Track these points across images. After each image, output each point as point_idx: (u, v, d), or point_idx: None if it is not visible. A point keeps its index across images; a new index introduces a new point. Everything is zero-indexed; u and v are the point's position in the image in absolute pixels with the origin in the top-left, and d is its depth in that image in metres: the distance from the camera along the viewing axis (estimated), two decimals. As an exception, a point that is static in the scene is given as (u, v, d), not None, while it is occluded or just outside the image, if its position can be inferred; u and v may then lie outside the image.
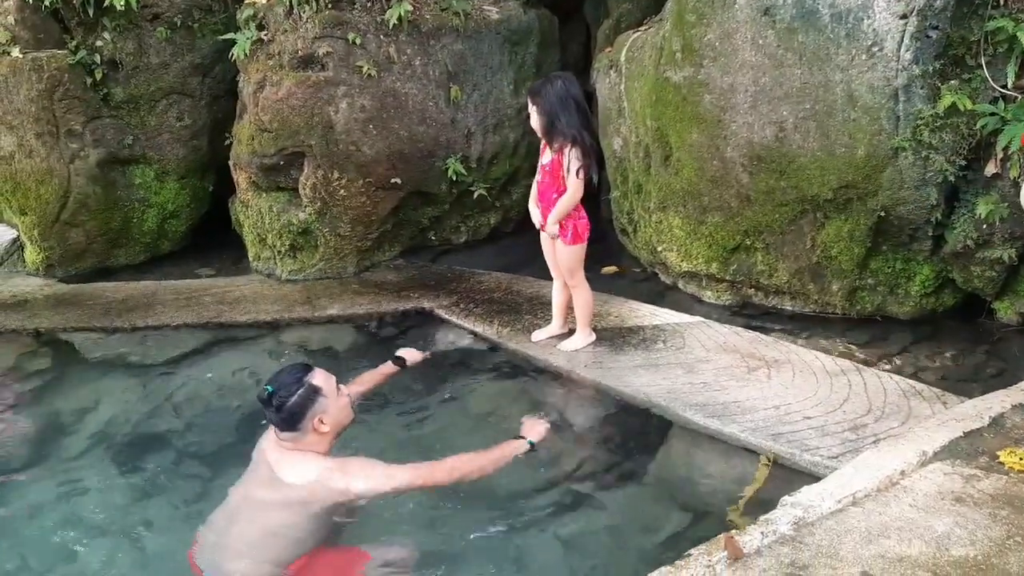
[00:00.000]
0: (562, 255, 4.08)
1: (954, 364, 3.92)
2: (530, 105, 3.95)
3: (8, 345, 4.69)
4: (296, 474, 2.78)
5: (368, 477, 2.80)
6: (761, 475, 3.06)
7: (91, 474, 3.49)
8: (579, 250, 4.06)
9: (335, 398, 2.91)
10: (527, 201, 4.22)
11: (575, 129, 3.83)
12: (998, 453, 2.71)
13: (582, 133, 3.84)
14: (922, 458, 2.69)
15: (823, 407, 3.42)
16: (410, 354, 4.03)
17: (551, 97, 3.85)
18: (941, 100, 3.78)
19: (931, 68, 3.81)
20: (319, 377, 2.89)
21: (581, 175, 3.86)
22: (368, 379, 3.79)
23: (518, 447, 3.15)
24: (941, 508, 2.40)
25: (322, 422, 2.84)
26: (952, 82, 3.82)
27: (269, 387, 2.81)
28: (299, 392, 2.81)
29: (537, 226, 4.16)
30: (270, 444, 2.93)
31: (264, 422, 3.04)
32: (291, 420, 2.81)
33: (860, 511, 2.40)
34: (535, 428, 3.31)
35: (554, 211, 3.96)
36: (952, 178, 3.88)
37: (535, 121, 3.93)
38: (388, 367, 3.90)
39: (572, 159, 3.85)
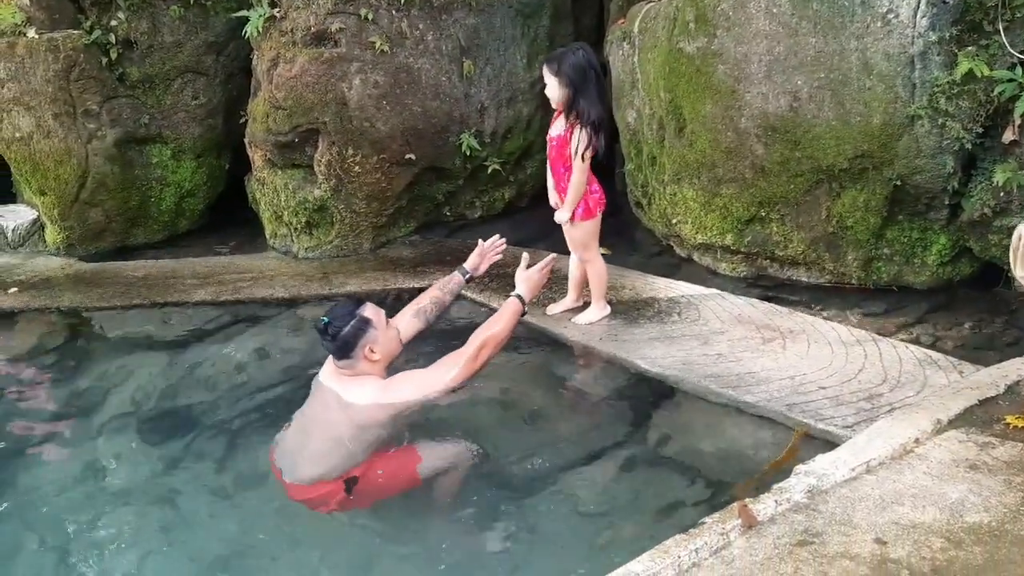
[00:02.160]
0: (574, 230, 4.09)
1: (971, 333, 3.91)
2: (548, 75, 3.85)
3: (31, 324, 4.76)
4: (357, 395, 3.09)
5: (415, 385, 3.09)
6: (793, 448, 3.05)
7: (113, 449, 3.55)
8: (591, 225, 4.06)
9: (384, 330, 3.15)
10: (541, 176, 4.23)
11: (595, 109, 3.81)
12: (1007, 418, 2.72)
13: (601, 114, 3.82)
14: (937, 426, 2.70)
15: (838, 377, 3.43)
16: (475, 260, 3.87)
17: (573, 70, 3.78)
18: (958, 67, 3.74)
19: (947, 35, 3.77)
20: (369, 310, 3.14)
21: (587, 157, 3.85)
22: (431, 296, 3.70)
23: (516, 306, 3.33)
24: (955, 475, 2.42)
25: (372, 351, 3.10)
26: (969, 48, 3.77)
27: (325, 318, 3.07)
28: (351, 323, 3.06)
29: (553, 205, 4.18)
30: (331, 373, 3.21)
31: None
32: (344, 348, 3.07)
33: (874, 479, 2.42)
34: (523, 282, 3.45)
35: (568, 199, 3.97)
36: (969, 146, 3.85)
37: (554, 92, 3.87)
38: (454, 280, 3.78)
39: (580, 140, 3.83)
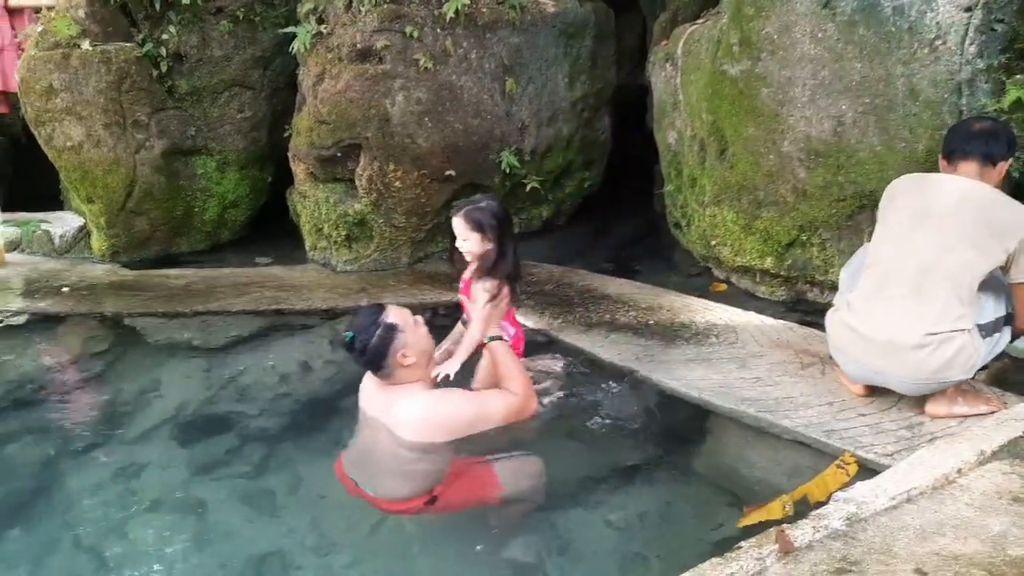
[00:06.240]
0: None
1: (1012, 363, 3.84)
2: (468, 232, 3.36)
3: (75, 328, 4.86)
4: (406, 413, 2.93)
5: (469, 411, 3.01)
6: (831, 477, 2.98)
7: (150, 454, 3.59)
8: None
9: (412, 329, 2.98)
10: (580, 194, 4.16)
11: (514, 262, 3.44)
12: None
13: (517, 264, 3.47)
14: (980, 457, 2.65)
15: (877, 405, 3.38)
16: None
17: (499, 223, 3.38)
18: (1007, 95, 3.70)
19: (996, 62, 3.74)
20: (392, 313, 2.97)
21: (489, 305, 3.40)
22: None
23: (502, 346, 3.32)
24: (998, 507, 2.37)
25: (405, 356, 2.93)
26: (1018, 76, 3.73)
27: (348, 333, 2.90)
28: (377, 333, 2.89)
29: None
30: (373, 383, 3.07)
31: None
32: (375, 360, 2.92)
33: (915, 508, 2.38)
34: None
35: (463, 351, 3.40)
36: (1016, 174, 3.80)
37: (476, 248, 3.39)
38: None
39: (487, 290, 3.38)
